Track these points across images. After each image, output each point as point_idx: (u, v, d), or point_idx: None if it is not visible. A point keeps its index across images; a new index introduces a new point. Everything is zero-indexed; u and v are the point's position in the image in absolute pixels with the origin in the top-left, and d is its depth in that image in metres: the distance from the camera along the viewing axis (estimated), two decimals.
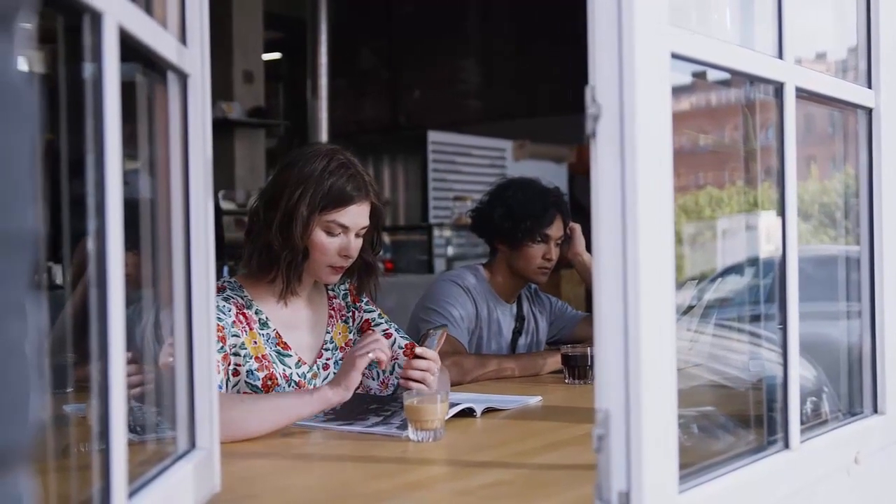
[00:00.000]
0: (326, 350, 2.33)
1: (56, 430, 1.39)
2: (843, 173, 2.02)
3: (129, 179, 1.11)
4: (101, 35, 1.00)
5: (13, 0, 0.57)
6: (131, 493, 1.09)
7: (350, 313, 2.41)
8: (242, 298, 2.22)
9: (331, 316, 2.37)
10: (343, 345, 2.36)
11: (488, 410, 2.18)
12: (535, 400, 2.35)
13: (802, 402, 1.61)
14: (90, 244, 1.00)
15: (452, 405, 2.03)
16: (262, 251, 2.20)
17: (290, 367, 2.22)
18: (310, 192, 2.15)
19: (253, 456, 1.80)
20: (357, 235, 2.22)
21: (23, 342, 0.57)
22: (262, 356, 2.18)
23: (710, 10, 1.76)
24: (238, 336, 2.14)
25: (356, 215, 2.20)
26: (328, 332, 2.34)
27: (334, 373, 2.29)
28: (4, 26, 0.56)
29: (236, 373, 2.13)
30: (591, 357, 2.65)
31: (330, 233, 2.19)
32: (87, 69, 1.02)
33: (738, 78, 1.60)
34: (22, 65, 0.59)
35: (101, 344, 1.01)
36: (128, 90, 1.09)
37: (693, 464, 1.33)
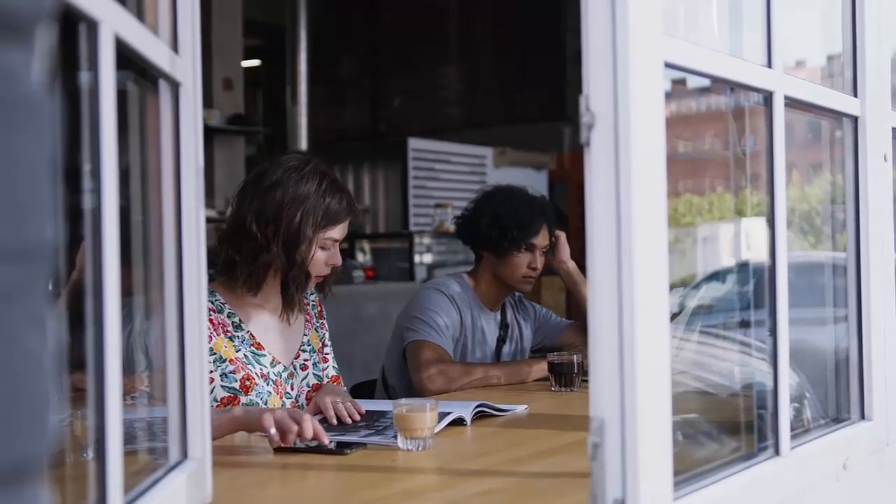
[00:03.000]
0: (304, 351, 2.40)
1: None
2: (824, 180, 2.04)
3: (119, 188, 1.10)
4: (98, 43, 0.99)
5: (32, 12, 0.57)
6: None
7: (319, 323, 2.51)
8: (213, 303, 2.26)
9: (307, 320, 2.44)
10: (317, 350, 2.44)
11: (479, 416, 2.19)
12: (521, 408, 2.35)
13: None
14: (87, 253, 1.00)
15: (442, 415, 2.03)
16: (262, 269, 2.25)
17: (265, 367, 2.27)
18: (311, 213, 2.23)
19: (244, 466, 1.79)
20: (339, 245, 2.34)
21: (42, 354, 0.57)
22: (236, 358, 2.23)
23: (698, 18, 1.77)
24: None
25: (345, 228, 2.33)
26: (305, 335, 2.42)
27: (313, 373, 2.39)
28: (23, 38, 0.56)
29: (209, 381, 2.15)
30: (578, 364, 2.65)
31: (323, 248, 2.29)
32: (83, 77, 1.01)
33: (718, 85, 1.61)
34: (41, 75, 0.59)
35: (96, 354, 1.00)
36: (119, 98, 1.08)
37: (686, 471, 1.33)
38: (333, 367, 2.50)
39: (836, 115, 1.85)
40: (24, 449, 0.56)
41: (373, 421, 2.13)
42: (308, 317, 2.45)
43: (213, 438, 1.91)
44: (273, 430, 1.81)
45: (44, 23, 0.59)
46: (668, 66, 1.25)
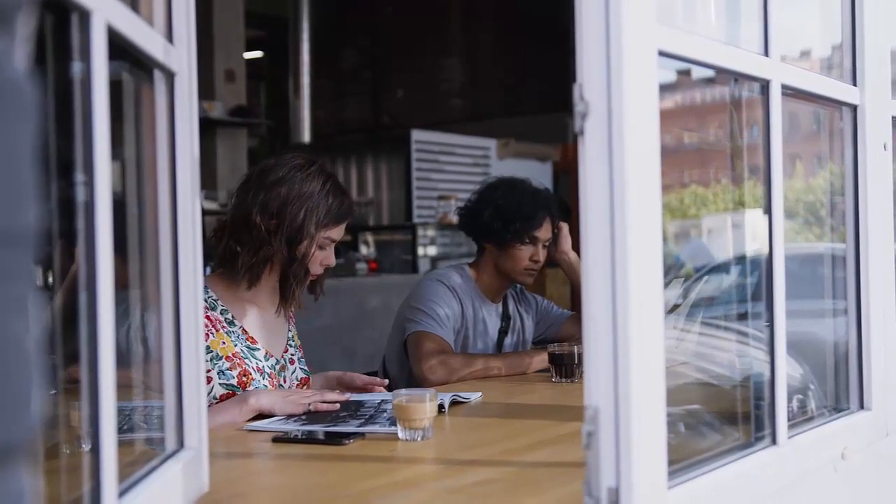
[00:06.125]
0: (291, 346, 2.45)
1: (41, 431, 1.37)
2: (828, 171, 2.03)
3: (113, 180, 1.10)
4: (90, 33, 0.99)
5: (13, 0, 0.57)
6: (121, 493, 1.09)
7: (294, 322, 2.54)
8: (206, 300, 2.27)
9: (291, 318, 2.49)
10: (298, 345, 2.50)
11: (454, 403, 2.24)
12: (475, 396, 2.38)
13: (789, 400, 1.62)
14: (80, 245, 1.00)
15: None
16: (263, 262, 2.28)
17: (260, 361, 2.31)
18: (315, 211, 2.27)
19: (241, 456, 1.80)
20: (335, 246, 2.38)
21: (25, 338, 0.58)
22: (233, 354, 2.26)
23: (696, 7, 1.76)
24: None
25: (342, 230, 2.37)
26: (290, 331, 2.47)
27: (300, 368, 2.44)
28: (4, 25, 0.56)
29: (208, 380, 2.17)
30: (578, 355, 2.65)
31: (321, 247, 2.32)
32: (75, 67, 1.01)
33: (723, 75, 1.60)
34: (22, 62, 0.59)
35: (90, 345, 1.01)
36: (113, 89, 1.08)
37: (682, 460, 1.33)
38: (303, 369, 2.52)
39: (836, 105, 1.85)
40: (7, 432, 0.56)
41: (354, 411, 2.13)
42: (292, 314, 2.49)
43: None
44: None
45: (25, 10, 0.60)
46: (663, 54, 1.24)
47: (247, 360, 2.26)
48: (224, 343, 2.25)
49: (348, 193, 2.38)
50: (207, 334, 2.21)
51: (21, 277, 0.57)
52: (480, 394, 2.42)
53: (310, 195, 2.27)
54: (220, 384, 2.21)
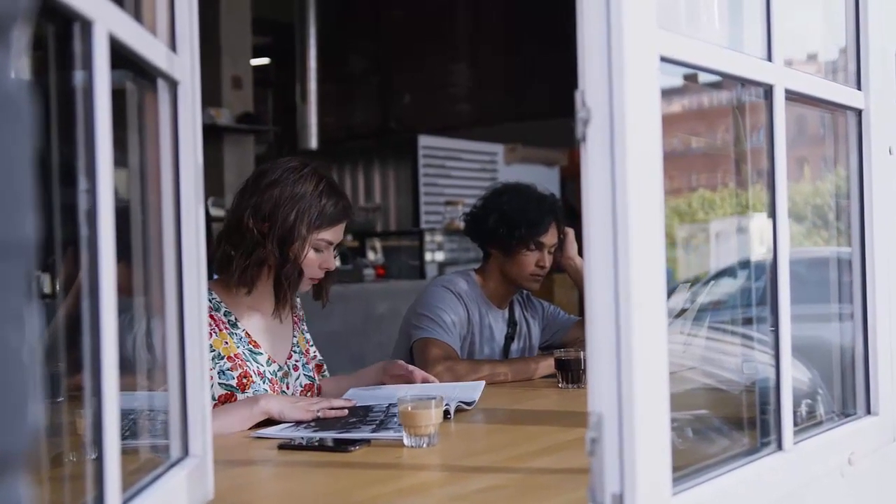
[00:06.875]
0: (295, 352, 2.44)
1: (46, 440, 1.38)
2: (835, 175, 2.02)
3: (118, 187, 1.10)
4: (92, 43, 1.00)
5: (10, 9, 0.57)
6: (125, 501, 1.09)
7: (304, 325, 2.54)
8: (210, 301, 2.28)
9: (295, 323, 2.48)
10: (304, 352, 2.48)
11: (459, 410, 2.24)
12: (480, 385, 2.43)
13: (797, 405, 1.61)
14: (82, 253, 1.00)
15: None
16: (256, 265, 2.28)
17: (262, 365, 2.31)
18: (307, 212, 2.26)
19: (246, 463, 1.80)
20: (335, 249, 2.37)
21: (21, 350, 0.58)
22: (235, 355, 2.26)
23: (700, 12, 1.76)
24: None
25: (341, 232, 2.36)
26: (294, 337, 2.46)
27: (304, 374, 2.43)
28: (1, 35, 0.57)
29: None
30: (584, 361, 2.65)
31: (317, 249, 2.31)
32: (78, 76, 1.02)
33: (729, 80, 1.60)
34: (19, 73, 0.59)
35: (93, 353, 1.01)
36: (117, 97, 1.09)
37: (687, 466, 1.33)
38: (307, 375, 2.51)
39: (840, 109, 1.84)
40: (3, 443, 0.56)
41: (363, 416, 2.13)
42: (297, 319, 2.49)
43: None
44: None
45: (21, 22, 0.60)
46: (664, 60, 1.24)
47: (248, 363, 2.27)
48: (227, 343, 2.26)
49: (344, 195, 2.37)
50: (210, 333, 2.21)
51: (18, 288, 0.58)
52: (483, 382, 2.44)
53: (301, 196, 2.27)
54: (219, 384, 2.22)
